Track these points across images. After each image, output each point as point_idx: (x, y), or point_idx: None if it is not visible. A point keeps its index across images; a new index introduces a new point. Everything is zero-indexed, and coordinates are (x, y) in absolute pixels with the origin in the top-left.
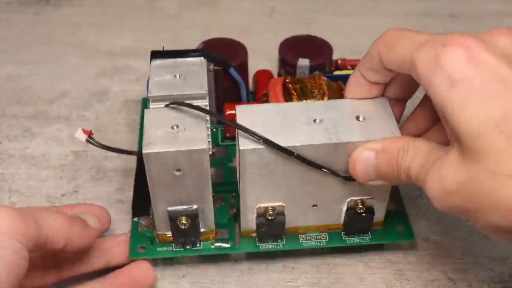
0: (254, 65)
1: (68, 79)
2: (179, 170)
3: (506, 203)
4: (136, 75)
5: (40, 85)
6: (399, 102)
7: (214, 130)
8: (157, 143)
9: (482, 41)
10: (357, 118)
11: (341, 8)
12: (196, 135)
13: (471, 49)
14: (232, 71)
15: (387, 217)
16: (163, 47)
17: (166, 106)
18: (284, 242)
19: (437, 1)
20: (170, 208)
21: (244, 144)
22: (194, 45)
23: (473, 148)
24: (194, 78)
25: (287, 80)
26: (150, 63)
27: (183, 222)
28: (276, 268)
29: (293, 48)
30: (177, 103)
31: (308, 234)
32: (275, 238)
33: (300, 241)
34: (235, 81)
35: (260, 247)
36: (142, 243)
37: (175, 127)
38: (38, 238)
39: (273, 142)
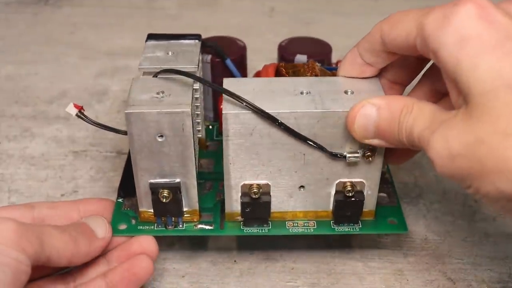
0: (254, 64)
1: (67, 79)
2: (161, 136)
3: None
4: (136, 75)
5: (39, 85)
6: (396, 85)
7: (210, 127)
8: (141, 105)
9: (493, 3)
10: (345, 92)
11: (341, 8)
12: (180, 100)
13: (483, 7)
14: (229, 62)
15: (380, 210)
16: None
17: (155, 76)
18: (270, 227)
19: (437, 2)
20: (152, 181)
21: (228, 108)
22: None
23: (483, 107)
24: (186, 55)
25: (281, 65)
26: (145, 43)
27: (165, 195)
28: (276, 268)
29: (292, 46)
30: (166, 70)
31: (296, 221)
32: (260, 221)
33: (287, 227)
34: (232, 74)
35: (245, 231)
36: (124, 221)
37: (161, 93)
38: (40, 256)
39: (256, 106)
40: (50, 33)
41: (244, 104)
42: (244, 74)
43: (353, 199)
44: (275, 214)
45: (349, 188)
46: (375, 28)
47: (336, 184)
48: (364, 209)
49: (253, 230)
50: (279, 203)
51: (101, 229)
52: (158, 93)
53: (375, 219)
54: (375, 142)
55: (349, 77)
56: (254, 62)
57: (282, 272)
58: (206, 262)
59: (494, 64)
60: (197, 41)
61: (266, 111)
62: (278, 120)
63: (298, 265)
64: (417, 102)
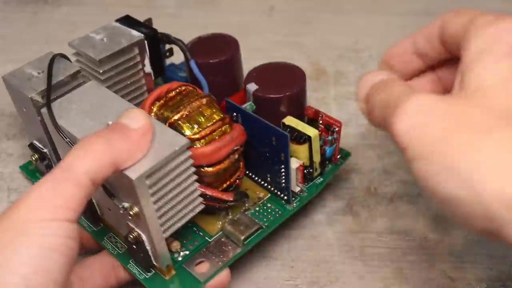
0: (253, 63)
1: None
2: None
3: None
4: None
5: None
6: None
7: None
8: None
9: None
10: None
11: (340, 7)
12: None
13: None
14: (193, 64)
15: None
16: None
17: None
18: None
19: (437, 0)
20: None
21: None
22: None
23: (470, 99)
24: (112, 42)
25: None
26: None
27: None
28: (275, 267)
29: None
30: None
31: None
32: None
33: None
34: (195, 77)
35: None
36: None
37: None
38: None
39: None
40: (50, 32)
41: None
42: (238, 74)
43: (134, 246)
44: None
45: (131, 235)
46: (438, 17)
47: (126, 226)
48: (157, 263)
49: None
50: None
51: (131, 120)
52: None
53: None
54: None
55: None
56: (253, 61)
57: (282, 270)
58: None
59: (499, 66)
60: (140, 34)
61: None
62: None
63: (297, 263)
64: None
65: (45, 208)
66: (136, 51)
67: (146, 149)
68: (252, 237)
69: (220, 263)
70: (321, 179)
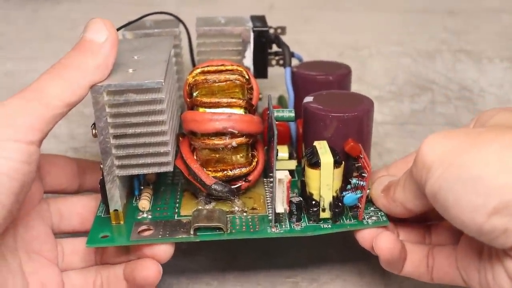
0: None
1: None
2: None
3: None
4: None
5: None
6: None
7: None
8: None
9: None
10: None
11: (340, 5)
12: None
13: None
14: (287, 71)
15: None
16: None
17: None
18: None
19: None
20: None
21: None
22: (193, 41)
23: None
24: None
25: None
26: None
27: None
28: (276, 264)
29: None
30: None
31: None
32: None
33: None
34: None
35: None
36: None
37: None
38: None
39: None
40: (50, 29)
41: None
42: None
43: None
44: None
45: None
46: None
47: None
48: (110, 205)
49: None
50: None
51: (99, 33)
52: None
53: None
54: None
55: None
56: None
57: (282, 268)
58: (206, 257)
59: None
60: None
61: None
62: None
63: (298, 261)
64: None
65: (6, 126)
66: (239, 38)
67: (112, 63)
68: (208, 232)
69: (159, 236)
70: (329, 225)
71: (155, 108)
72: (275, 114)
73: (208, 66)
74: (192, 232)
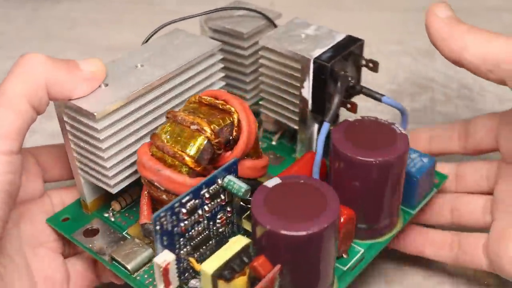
0: None
1: None
2: None
3: None
4: None
5: None
6: None
7: None
8: None
9: None
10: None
11: (341, 3)
12: None
13: None
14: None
15: None
16: None
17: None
18: None
19: None
20: None
21: None
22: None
23: None
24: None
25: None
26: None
27: None
28: None
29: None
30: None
31: None
32: None
33: None
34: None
35: None
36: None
37: None
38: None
39: None
40: (50, 29)
41: None
42: None
43: None
44: None
45: None
46: None
47: None
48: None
49: None
50: None
51: (88, 64)
52: None
53: None
54: None
55: None
56: None
57: None
58: None
59: None
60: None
61: None
62: None
63: None
64: None
65: None
66: (299, 65)
67: (89, 91)
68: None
69: (90, 246)
70: None
71: (93, 135)
72: (227, 179)
73: (206, 96)
74: (107, 259)
